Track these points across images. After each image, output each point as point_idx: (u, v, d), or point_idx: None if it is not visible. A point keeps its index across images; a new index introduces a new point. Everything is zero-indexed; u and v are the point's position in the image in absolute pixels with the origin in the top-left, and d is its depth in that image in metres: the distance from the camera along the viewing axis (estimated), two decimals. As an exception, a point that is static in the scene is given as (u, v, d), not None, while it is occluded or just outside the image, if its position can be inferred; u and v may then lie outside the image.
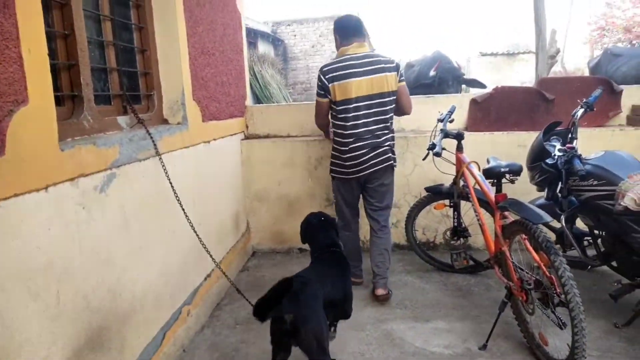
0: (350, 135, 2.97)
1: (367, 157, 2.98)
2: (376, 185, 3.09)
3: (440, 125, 3.20)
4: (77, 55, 2.04)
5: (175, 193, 2.52)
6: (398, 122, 4.18)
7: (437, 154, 2.91)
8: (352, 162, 3.00)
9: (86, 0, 2.17)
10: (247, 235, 4.27)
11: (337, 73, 2.91)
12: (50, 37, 1.87)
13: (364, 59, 2.93)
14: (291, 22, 17.27)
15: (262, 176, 4.22)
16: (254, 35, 13.90)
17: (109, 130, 2.25)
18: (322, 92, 2.98)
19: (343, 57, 2.96)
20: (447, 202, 3.41)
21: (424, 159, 3.21)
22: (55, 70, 1.88)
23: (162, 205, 2.49)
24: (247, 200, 4.30)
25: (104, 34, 2.38)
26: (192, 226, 2.60)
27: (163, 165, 2.46)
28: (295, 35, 17.21)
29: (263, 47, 15.84)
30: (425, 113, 4.14)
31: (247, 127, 4.44)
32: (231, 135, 3.98)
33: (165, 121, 2.89)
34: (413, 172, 3.98)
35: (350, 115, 2.94)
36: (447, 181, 3.46)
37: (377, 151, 2.99)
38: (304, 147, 4.13)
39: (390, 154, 3.05)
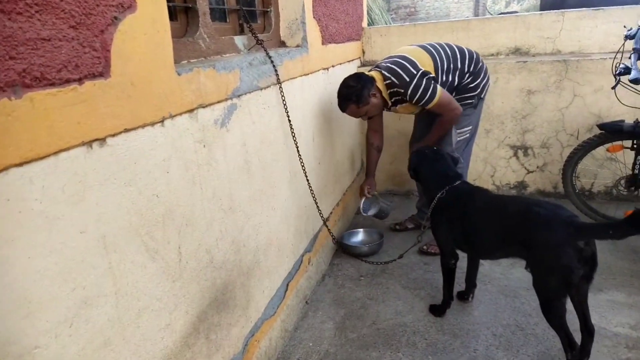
0: None
1: None
2: None
3: (631, 43, 2.42)
4: (189, -43, 1.66)
5: (291, 128, 2.16)
6: (553, 42, 3.40)
7: (636, 81, 2.20)
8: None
9: None
10: (361, 175, 3.89)
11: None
12: None
13: None
14: (396, -62, 15.66)
15: (380, 109, 3.74)
16: (357, -45, 12.80)
17: (226, 53, 1.89)
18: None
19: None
20: (626, 143, 2.69)
21: (613, 88, 2.48)
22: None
23: (283, 143, 2.15)
24: (362, 137, 3.88)
25: None
26: (303, 167, 2.26)
27: (282, 96, 2.09)
28: (400, -46, 15.62)
29: (366, -31, 14.61)
30: (590, 30, 3.30)
31: (363, 52, 3.92)
32: (348, 62, 3.51)
33: (282, 43, 2.49)
34: (571, 105, 3.24)
35: None
36: (627, 117, 2.72)
37: None
38: (431, 75, 3.53)
39: None
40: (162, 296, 1.26)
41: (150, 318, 1.21)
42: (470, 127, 2.77)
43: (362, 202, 2.91)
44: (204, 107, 1.49)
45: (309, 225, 2.56)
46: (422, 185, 2.53)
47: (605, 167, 3.20)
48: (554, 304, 1.73)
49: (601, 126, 2.72)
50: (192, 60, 1.62)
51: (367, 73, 2.58)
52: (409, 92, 2.47)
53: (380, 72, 2.56)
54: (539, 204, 1.80)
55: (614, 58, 2.51)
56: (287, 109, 2.12)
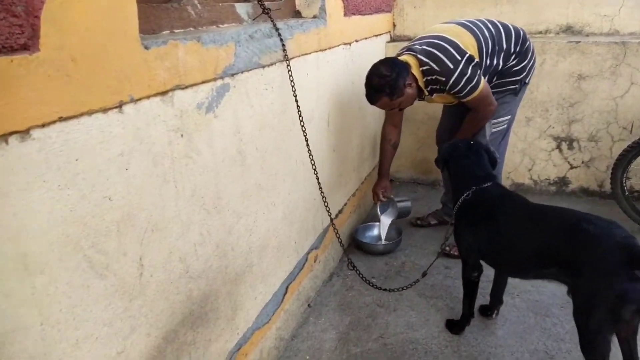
0: None
1: None
2: None
3: None
4: None
5: (299, 111, 1.87)
6: (611, 21, 2.98)
7: None
8: None
9: None
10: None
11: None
12: None
13: None
14: None
15: (409, 90, 3.41)
16: None
17: (224, 23, 1.63)
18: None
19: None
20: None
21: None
22: None
23: (290, 129, 1.89)
24: (388, 119, 3.57)
25: None
26: (311, 157, 1.96)
27: (290, 74, 1.81)
28: None
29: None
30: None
31: (394, 26, 3.57)
32: (375, 36, 3.18)
33: (297, 14, 2.20)
34: (627, 94, 2.84)
35: None
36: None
37: None
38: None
39: None
40: (112, 320, 1.04)
41: (93, 348, 1.00)
42: (509, 117, 2.43)
43: (377, 208, 2.63)
44: (182, 88, 1.24)
45: (318, 219, 2.31)
46: (450, 181, 2.24)
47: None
48: (597, 341, 1.45)
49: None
50: (176, 31, 1.36)
51: (399, 58, 2.25)
52: (452, 81, 2.12)
53: (416, 56, 2.20)
54: (588, 219, 1.49)
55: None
56: (295, 89, 1.85)
